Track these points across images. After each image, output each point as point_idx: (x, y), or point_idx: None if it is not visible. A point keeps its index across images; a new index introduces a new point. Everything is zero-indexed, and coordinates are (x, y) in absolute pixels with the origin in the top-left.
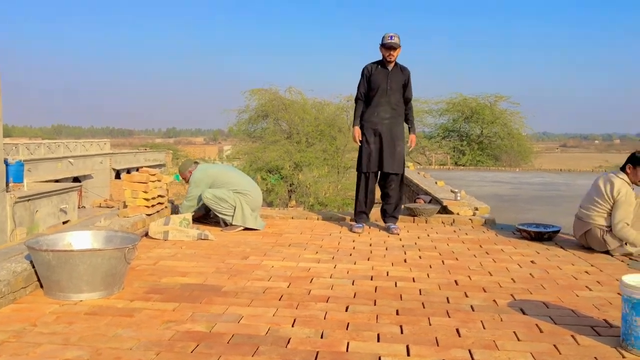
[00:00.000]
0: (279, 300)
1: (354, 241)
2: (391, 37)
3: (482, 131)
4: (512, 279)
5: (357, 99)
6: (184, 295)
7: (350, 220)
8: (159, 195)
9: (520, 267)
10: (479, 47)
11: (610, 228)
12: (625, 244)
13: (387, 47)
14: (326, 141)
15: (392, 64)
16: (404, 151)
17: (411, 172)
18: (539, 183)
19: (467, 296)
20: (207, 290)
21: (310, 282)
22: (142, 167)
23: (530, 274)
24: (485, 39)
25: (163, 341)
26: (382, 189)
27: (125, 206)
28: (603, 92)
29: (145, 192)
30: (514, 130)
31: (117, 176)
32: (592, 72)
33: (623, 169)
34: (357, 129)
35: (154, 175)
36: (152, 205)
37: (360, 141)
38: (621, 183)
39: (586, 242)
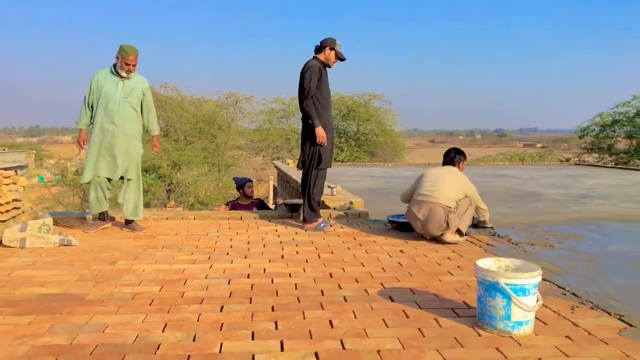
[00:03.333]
0: (150, 305)
1: (231, 240)
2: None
3: (358, 128)
4: (382, 268)
5: (311, 97)
6: (41, 307)
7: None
8: (14, 200)
9: (390, 256)
10: (353, 46)
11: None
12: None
13: (340, 59)
14: (206, 139)
15: None
16: None
17: (292, 169)
18: (409, 177)
19: (340, 288)
20: (68, 300)
21: (184, 284)
22: None
23: (399, 263)
24: (357, 39)
25: (16, 358)
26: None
27: None
28: (467, 91)
29: None
30: (388, 127)
31: None
32: (458, 71)
33: (453, 163)
34: (322, 130)
35: (8, 177)
36: (7, 211)
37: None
38: None
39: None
